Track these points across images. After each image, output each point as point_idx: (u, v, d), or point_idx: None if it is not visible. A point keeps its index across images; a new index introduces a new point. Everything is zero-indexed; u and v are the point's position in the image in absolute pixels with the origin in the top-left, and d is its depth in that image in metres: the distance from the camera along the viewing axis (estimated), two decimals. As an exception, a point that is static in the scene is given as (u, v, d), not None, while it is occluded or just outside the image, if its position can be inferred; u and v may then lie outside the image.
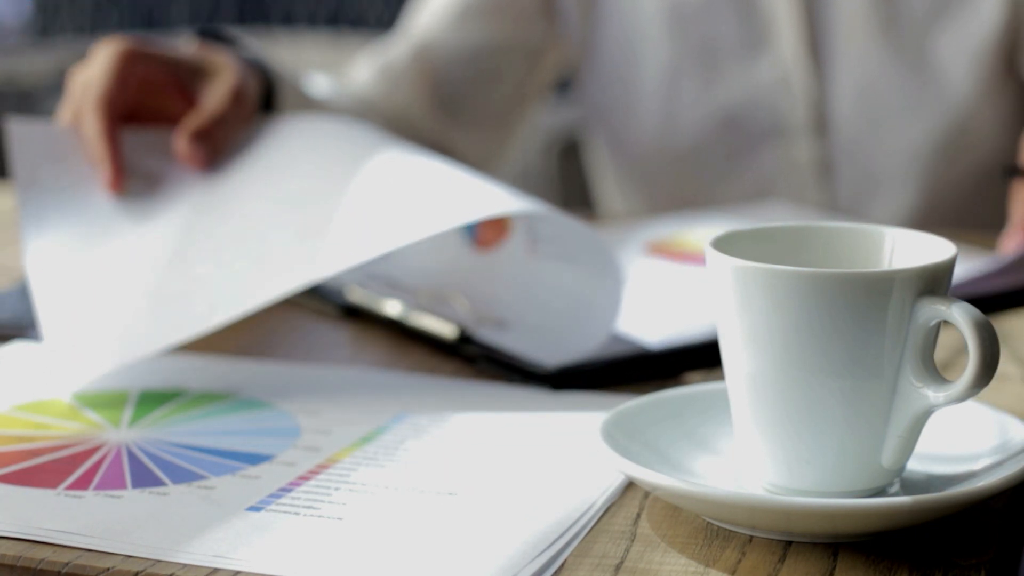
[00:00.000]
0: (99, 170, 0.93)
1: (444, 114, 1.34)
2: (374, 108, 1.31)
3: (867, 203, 1.30)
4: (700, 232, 1.12)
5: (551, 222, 0.84)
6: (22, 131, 0.96)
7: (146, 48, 0.98)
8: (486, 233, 0.91)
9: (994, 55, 1.24)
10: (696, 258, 1.04)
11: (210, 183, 0.94)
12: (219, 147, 0.95)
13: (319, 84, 1.23)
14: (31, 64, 2.99)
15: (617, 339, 0.84)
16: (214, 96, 0.98)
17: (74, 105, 0.97)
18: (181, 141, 0.94)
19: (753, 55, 1.28)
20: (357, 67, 1.35)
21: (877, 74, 1.26)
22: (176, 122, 0.97)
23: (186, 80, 0.99)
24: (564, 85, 2.31)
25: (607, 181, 1.42)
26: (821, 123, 1.28)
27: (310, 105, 1.14)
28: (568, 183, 2.43)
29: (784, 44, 1.27)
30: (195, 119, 0.95)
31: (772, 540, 0.61)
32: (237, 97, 0.98)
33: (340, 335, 0.92)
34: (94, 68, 0.97)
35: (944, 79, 1.25)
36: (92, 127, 0.94)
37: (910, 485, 0.64)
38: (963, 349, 0.60)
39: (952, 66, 1.24)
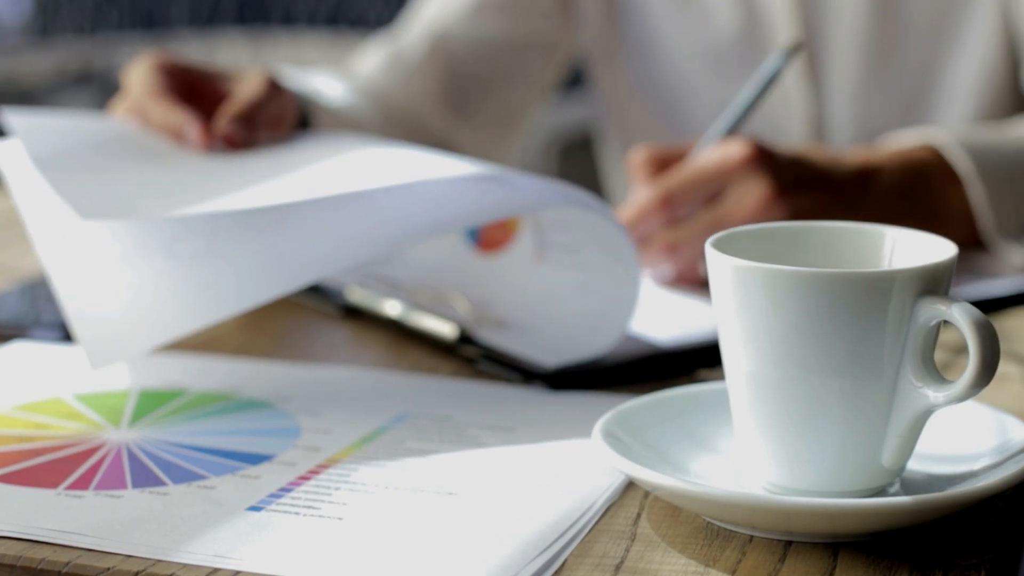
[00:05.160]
0: (187, 131, 0.97)
1: (452, 110, 1.33)
2: (383, 100, 1.30)
3: None
4: None
5: (584, 211, 0.82)
6: (23, 121, 0.94)
7: (177, 57, 1.05)
8: (490, 235, 0.90)
9: (996, 75, 1.23)
10: None
11: (233, 168, 0.93)
12: (257, 129, 0.99)
13: (333, 89, 1.23)
14: (31, 64, 2.99)
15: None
16: (248, 85, 1.03)
17: (131, 99, 1.02)
18: (221, 121, 0.97)
19: (752, 69, 1.28)
20: (364, 56, 1.35)
21: (875, 94, 1.25)
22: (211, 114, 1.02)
23: (219, 80, 1.05)
24: (567, 84, 2.31)
25: (619, 179, 1.42)
26: (819, 141, 1.27)
27: (341, 120, 1.17)
28: (568, 183, 2.42)
29: None
30: (234, 104, 0.99)
31: (772, 540, 0.61)
32: (271, 85, 1.02)
33: (340, 335, 0.92)
34: (140, 72, 1.03)
35: (945, 98, 1.24)
36: (161, 106, 0.99)
37: (910, 485, 0.64)
38: (963, 349, 0.60)
39: (953, 85, 1.23)
